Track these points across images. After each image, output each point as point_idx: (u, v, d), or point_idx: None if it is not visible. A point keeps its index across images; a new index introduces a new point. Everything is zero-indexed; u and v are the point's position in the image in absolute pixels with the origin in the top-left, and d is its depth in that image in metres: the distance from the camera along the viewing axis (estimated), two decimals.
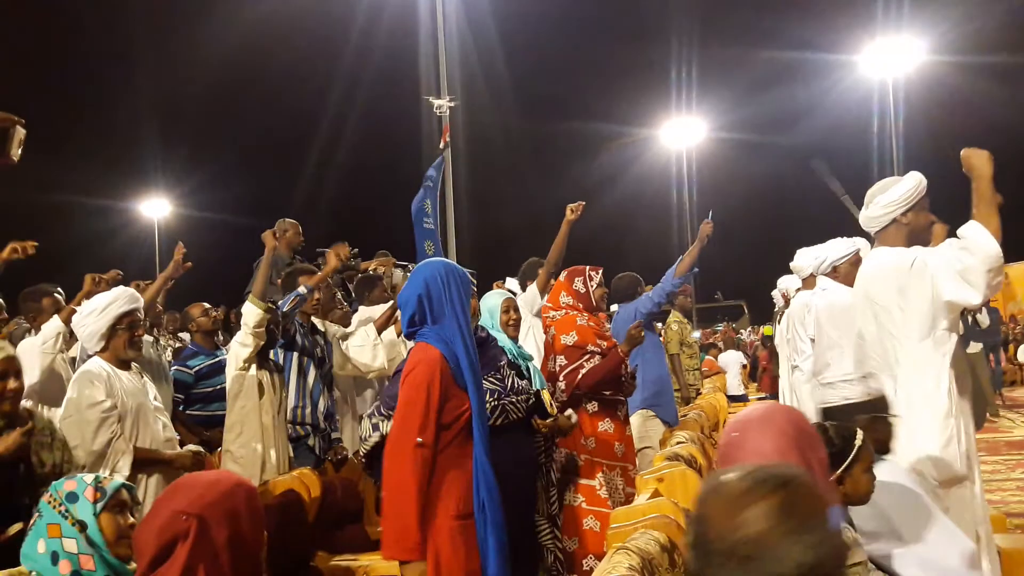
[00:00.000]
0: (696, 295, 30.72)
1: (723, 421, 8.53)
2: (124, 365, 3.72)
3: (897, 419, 3.27)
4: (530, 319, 5.54)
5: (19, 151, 2.53)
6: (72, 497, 2.31)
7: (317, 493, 4.11)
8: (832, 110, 28.29)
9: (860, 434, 2.98)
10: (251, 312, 4.36)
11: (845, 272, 5.09)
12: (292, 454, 4.61)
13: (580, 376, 4.44)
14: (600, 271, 4.95)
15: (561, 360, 4.54)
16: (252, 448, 4.28)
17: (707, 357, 15.62)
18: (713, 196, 32.83)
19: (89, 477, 2.37)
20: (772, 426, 1.90)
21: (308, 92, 30.85)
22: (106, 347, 3.71)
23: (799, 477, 1.32)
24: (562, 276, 4.94)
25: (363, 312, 5.88)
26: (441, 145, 12.78)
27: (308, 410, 4.85)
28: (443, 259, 3.38)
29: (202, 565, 1.88)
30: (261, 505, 2.02)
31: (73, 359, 4.71)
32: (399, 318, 5.19)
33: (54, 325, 4.54)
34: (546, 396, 3.76)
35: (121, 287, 4.04)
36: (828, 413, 4.27)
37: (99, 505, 2.30)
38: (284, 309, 4.67)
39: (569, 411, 4.11)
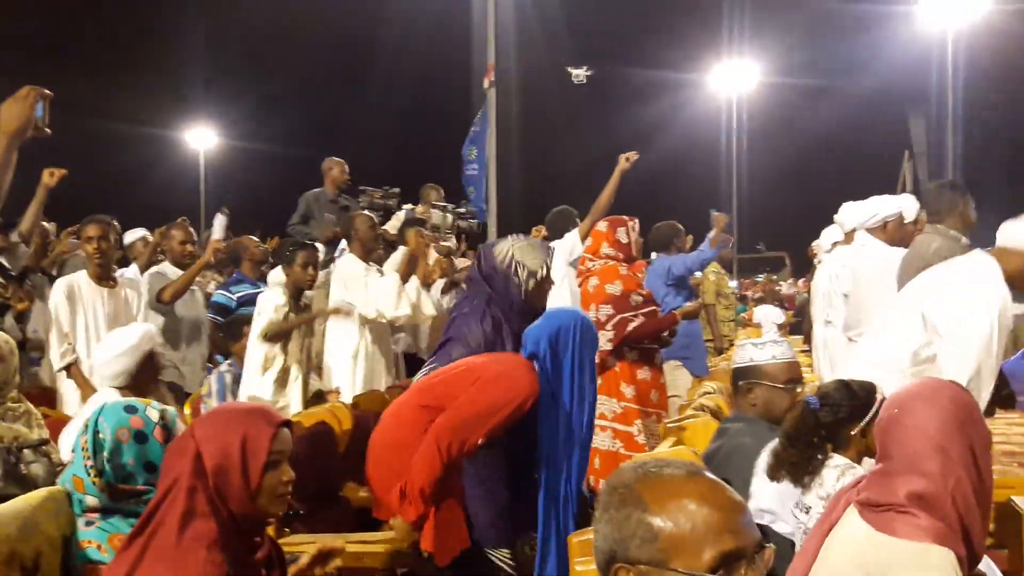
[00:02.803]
0: (738, 246, 30.45)
1: None
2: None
3: None
4: (565, 268, 5.53)
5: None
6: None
7: (349, 426, 4.22)
8: (890, 59, 27.44)
9: (881, 389, 3.02)
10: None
11: (892, 231, 5.04)
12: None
13: (630, 328, 4.55)
14: (637, 220, 4.99)
15: (608, 309, 4.65)
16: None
17: (747, 310, 15.52)
18: (763, 144, 32.30)
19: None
20: (933, 402, 1.89)
21: (360, 26, 30.47)
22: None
23: (662, 468, 1.32)
24: (603, 226, 4.98)
25: (400, 251, 5.92)
26: (485, 85, 12.68)
27: None
28: (580, 313, 3.39)
29: (200, 486, 1.95)
30: (268, 446, 2.03)
31: None
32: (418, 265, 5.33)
33: None
34: None
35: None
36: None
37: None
38: None
39: None
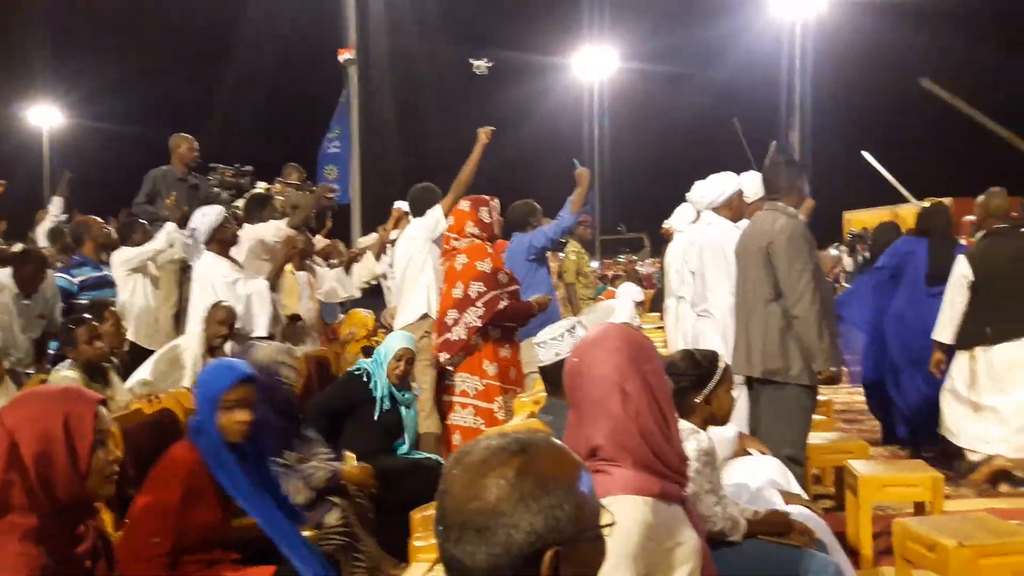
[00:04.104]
0: (600, 227, 31.05)
1: None
2: None
3: None
4: (428, 245, 5.44)
5: None
6: None
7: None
8: (744, 48, 28.53)
9: (723, 357, 3.12)
10: None
11: (736, 207, 5.22)
12: None
13: (500, 306, 4.65)
14: (497, 200, 5.02)
15: (479, 286, 4.66)
16: None
17: (608, 288, 15.87)
18: (624, 128, 33.02)
19: None
20: (607, 348, 1.95)
21: (222, 4, 29.26)
22: None
23: (541, 441, 1.27)
24: (465, 205, 4.96)
25: (248, 231, 5.69)
26: (341, 59, 12.42)
27: None
28: None
29: (17, 478, 1.84)
30: (92, 425, 1.94)
31: None
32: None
33: None
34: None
35: None
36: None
37: None
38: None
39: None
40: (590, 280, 8.84)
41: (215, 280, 4.91)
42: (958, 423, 5.32)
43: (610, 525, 1.28)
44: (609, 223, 30.66)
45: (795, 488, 3.34)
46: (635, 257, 22.90)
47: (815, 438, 4.85)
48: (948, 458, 5.61)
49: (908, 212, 10.12)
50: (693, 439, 2.73)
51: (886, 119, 27.79)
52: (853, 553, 4.12)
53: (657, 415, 1.91)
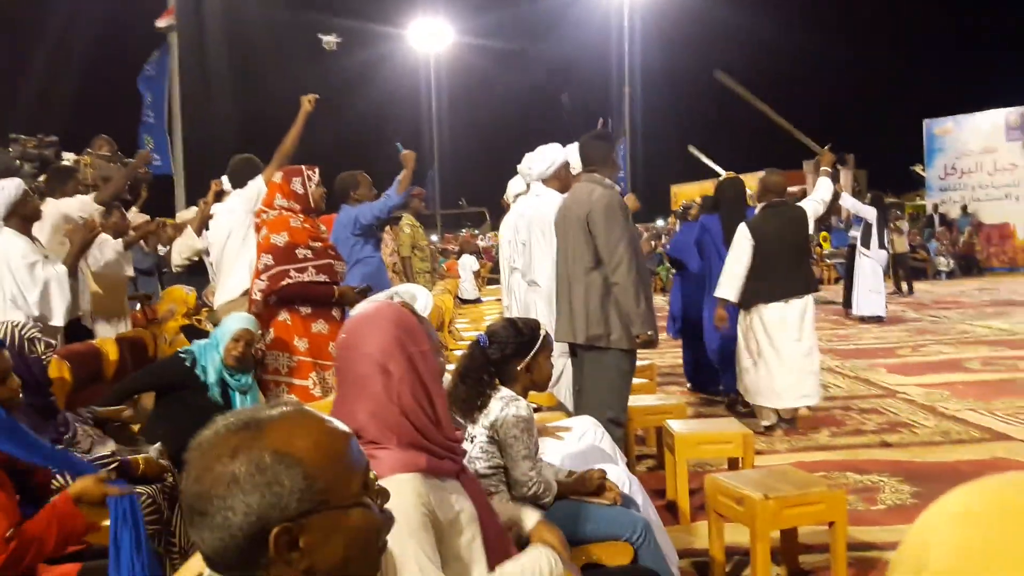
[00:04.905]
0: (440, 202, 31.01)
1: (448, 322, 8.79)
2: None
3: None
4: (249, 218, 5.25)
5: None
6: None
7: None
8: (575, 24, 29.04)
9: (543, 326, 3.17)
10: None
11: (564, 178, 5.30)
12: None
13: (284, 283, 4.37)
14: (317, 170, 4.82)
15: (268, 259, 4.41)
16: None
17: (448, 260, 15.91)
18: (460, 102, 33.02)
19: None
20: (375, 325, 1.93)
21: None
22: None
23: (277, 415, 1.21)
24: (278, 177, 4.74)
25: (51, 206, 5.27)
26: (158, 25, 11.77)
27: None
28: None
29: None
30: None
31: None
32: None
33: None
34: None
35: None
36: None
37: None
38: None
39: None
40: (426, 253, 8.79)
41: (12, 261, 4.51)
42: (746, 379, 5.94)
43: (378, 493, 1.25)
44: (451, 198, 30.68)
45: (613, 449, 3.44)
46: (476, 231, 23.03)
47: (638, 400, 5.04)
48: (766, 425, 6.02)
49: None
50: (513, 406, 2.77)
51: (710, 96, 29.07)
52: (673, 509, 4.32)
53: (422, 397, 1.89)
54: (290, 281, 4.34)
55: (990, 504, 0.64)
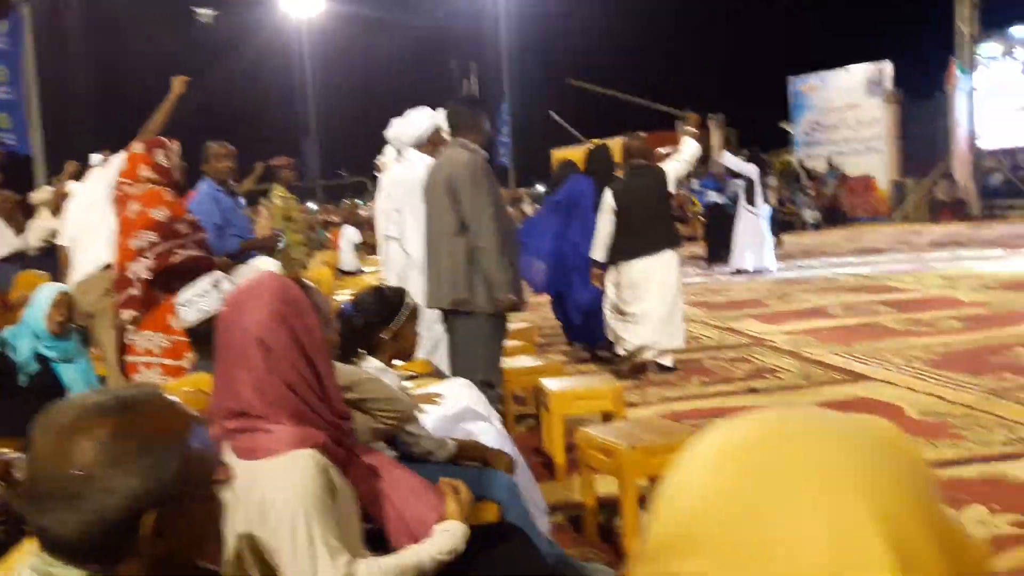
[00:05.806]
0: (322, 172, 30.37)
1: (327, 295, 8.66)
2: None
3: None
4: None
5: None
6: None
7: None
8: None
9: (409, 294, 3.18)
10: None
11: (436, 143, 5.29)
12: None
13: (173, 260, 4.23)
14: (178, 143, 4.66)
15: (151, 236, 4.24)
16: None
17: (331, 230, 15.65)
18: (334, 72, 32.31)
19: None
20: (258, 299, 1.88)
21: None
22: None
23: (145, 397, 1.20)
24: (139, 148, 4.56)
25: None
26: None
27: None
28: None
29: None
30: None
31: None
32: None
33: None
34: None
35: None
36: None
37: None
38: None
39: None
40: (300, 225, 8.61)
41: None
42: (614, 330, 6.35)
43: (224, 481, 1.26)
44: (330, 169, 30.14)
45: (488, 410, 3.49)
46: (358, 201, 22.70)
47: (516, 362, 5.13)
48: (635, 370, 6.24)
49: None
50: (385, 378, 2.77)
51: (585, 60, 29.34)
52: (551, 466, 4.42)
53: (306, 371, 1.86)
54: (179, 257, 4.20)
55: (746, 441, 0.62)
